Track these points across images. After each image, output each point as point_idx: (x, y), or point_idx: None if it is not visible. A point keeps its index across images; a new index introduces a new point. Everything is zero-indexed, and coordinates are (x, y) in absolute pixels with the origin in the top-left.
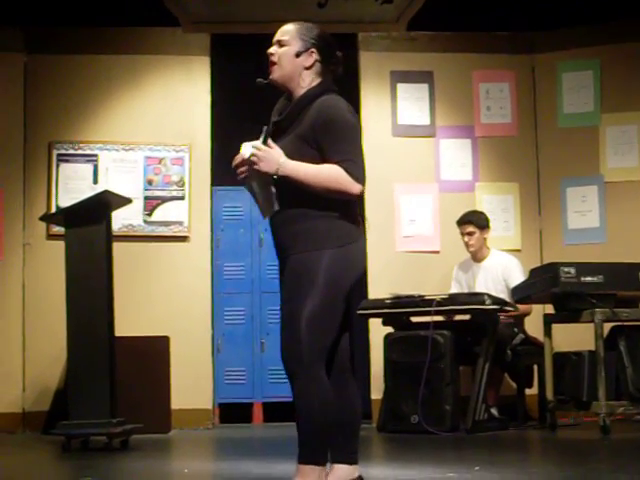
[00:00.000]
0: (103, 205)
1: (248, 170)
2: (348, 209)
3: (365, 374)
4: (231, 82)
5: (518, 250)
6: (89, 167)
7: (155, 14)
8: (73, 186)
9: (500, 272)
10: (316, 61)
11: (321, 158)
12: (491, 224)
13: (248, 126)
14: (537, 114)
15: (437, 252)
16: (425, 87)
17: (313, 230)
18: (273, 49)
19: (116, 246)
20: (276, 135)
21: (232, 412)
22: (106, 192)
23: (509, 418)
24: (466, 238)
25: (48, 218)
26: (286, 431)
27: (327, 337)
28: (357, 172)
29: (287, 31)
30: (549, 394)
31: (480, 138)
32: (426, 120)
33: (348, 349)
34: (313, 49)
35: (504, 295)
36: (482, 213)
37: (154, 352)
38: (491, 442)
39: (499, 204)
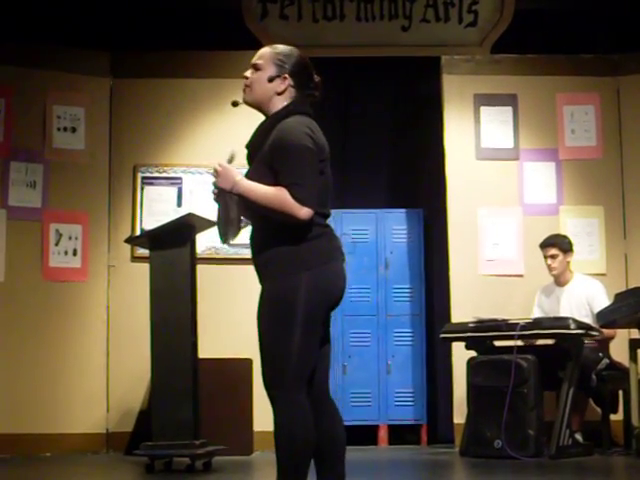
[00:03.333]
0: (187, 228)
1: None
2: (320, 230)
3: (448, 398)
4: (315, 104)
5: (603, 274)
6: (173, 190)
7: (239, 37)
8: (157, 209)
9: (584, 296)
10: (289, 86)
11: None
12: (574, 247)
13: (332, 147)
14: (622, 136)
15: (521, 276)
16: (509, 110)
17: (283, 255)
18: (248, 72)
19: (200, 268)
20: (252, 160)
21: None
22: (190, 215)
23: (594, 444)
24: (549, 261)
25: (133, 240)
26: (368, 454)
27: (309, 363)
28: (302, 195)
29: (262, 55)
30: (634, 420)
31: (564, 161)
32: (510, 143)
33: (326, 370)
34: (287, 74)
35: (588, 319)
36: (565, 236)
37: (237, 374)
38: (575, 468)
39: (584, 227)
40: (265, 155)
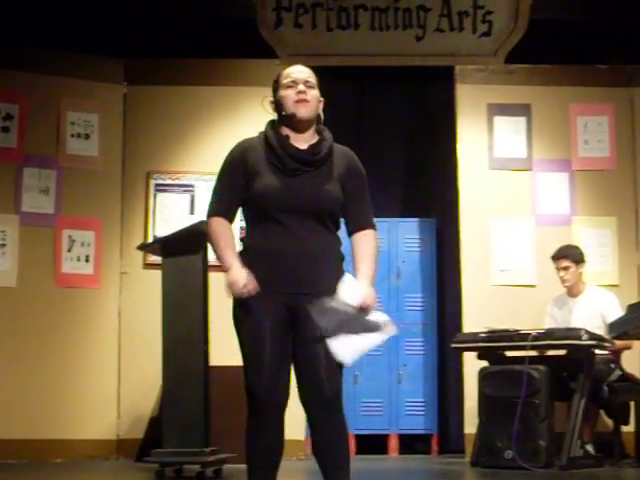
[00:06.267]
0: (200, 235)
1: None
2: None
3: (459, 408)
4: (328, 113)
5: (616, 285)
6: (186, 197)
7: (253, 46)
8: (170, 216)
9: (597, 307)
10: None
11: (343, 199)
12: (587, 258)
13: None
14: (636, 147)
15: (533, 286)
16: (522, 120)
17: (341, 273)
18: (304, 87)
19: (212, 276)
20: (282, 169)
21: None
22: (203, 222)
23: (605, 455)
24: (561, 273)
25: (145, 247)
26: (378, 464)
27: None
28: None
29: (312, 75)
30: None
31: (577, 172)
32: (523, 153)
33: None
34: (322, 99)
35: (600, 331)
36: (577, 247)
37: None
38: (586, 479)
39: (596, 238)
40: (341, 173)
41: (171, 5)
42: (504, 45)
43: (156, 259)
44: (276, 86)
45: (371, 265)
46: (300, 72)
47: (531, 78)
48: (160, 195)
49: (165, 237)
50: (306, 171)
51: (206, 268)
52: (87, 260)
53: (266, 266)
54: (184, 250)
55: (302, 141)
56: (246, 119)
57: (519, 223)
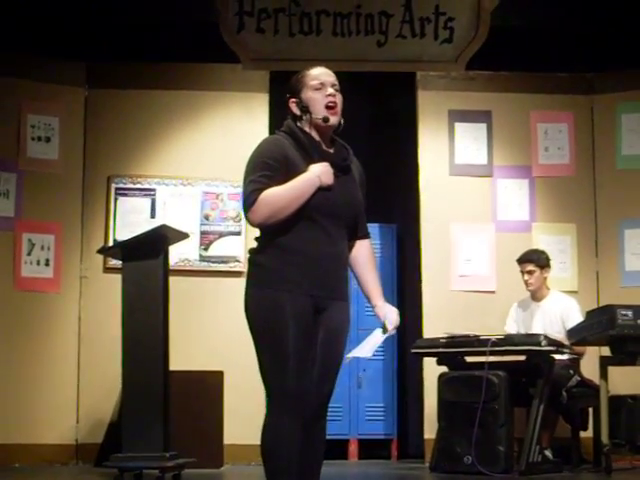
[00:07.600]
0: (160, 239)
1: None
2: None
3: (419, 413)
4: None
5: (575, 292)
6: (147, 201)
7: (215, 51)
8: (131, 220)
9: (558, 313)
10: None
11: None
12: (552, 264)
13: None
14: (595, 155)
15: (493, 292)
16: (483, 127)
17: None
18: (333, 91)
19: (172, 280)
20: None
21: None
22: (163, 226)
23: (563, 461)
24: (526, 277)
25: (105, 251)
26: (338, 469)
27: None
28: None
29: (336, 78)
30: (604, 437)
31: (538, 178)
32: (484, 160)
33: None
34: None
35: (561, 336)
36: (543, 252)
37: (208, 386)
38: None
39: (556, 245)
40: (359, 184)
41: (132, 9)
42: (465, 52)
43: (116, 263)
44: (299, 86)
45: (378, 279)
46: (328, 75)
47: (492, 85)
48: (121, 199)
49: (125, 241)
50: (337, 176)
51: (166, 272)
52: (47, 264)
53: (299, 267)
54: (144, 254)
55: (324, 145)
56: (207, 123)
57: (479, 229)
